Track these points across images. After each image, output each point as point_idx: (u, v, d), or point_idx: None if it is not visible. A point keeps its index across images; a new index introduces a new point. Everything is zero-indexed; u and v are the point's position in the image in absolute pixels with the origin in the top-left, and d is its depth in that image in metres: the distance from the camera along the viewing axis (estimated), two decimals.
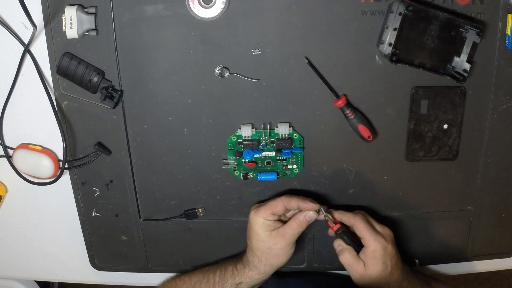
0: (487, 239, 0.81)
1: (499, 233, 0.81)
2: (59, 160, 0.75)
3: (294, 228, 0.69)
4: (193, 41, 0.68)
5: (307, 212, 0.69)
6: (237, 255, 0.77)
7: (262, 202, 0.73)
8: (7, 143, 0.75)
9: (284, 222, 0.71)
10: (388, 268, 0.68)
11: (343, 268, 0.84)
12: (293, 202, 0.69)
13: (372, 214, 0.77)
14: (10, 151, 0.75)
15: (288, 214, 0.73)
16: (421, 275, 0.76)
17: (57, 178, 0.73)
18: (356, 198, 0.77)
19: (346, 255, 0.70)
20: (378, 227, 0.71)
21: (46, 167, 0.74)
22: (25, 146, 0.75)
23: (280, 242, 0.69)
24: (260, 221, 0.69)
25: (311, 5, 0.67)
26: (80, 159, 0.74)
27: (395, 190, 0.77)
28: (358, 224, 0.69)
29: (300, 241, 0.79)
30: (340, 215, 0.71)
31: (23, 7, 0.62)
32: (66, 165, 0.74)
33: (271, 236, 0.69)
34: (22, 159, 0.74)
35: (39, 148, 0.75)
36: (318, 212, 0.69)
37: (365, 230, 0.69)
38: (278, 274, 0.79)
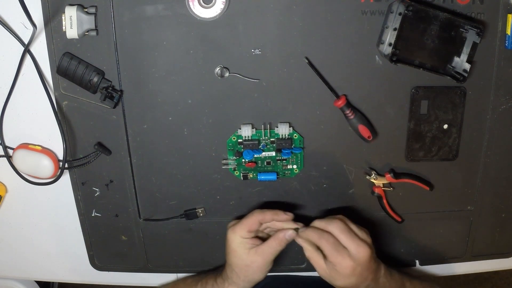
0: (487, 239, 0.81)
1: (499, 233, 0.81)
2: (59, 160, 0.75)
3: (273, 247, 0.69)
4: (193, 41, 0.68)
5: (287, 231, 0.68)
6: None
7: (258, 206, 0.73)
8: (7, 143, 0.75)
9: (262, 238, 0.71)
10: (352, 281, 0.66)
11: None
12: (267, 216, 0.69)
13: (372, 213, 0.78)
14: (10, 151, 0.75)
15: (267, 230, 0.72)
16: (398, 276, 0.73)
17: (57, 178, 0.73)
18: (356, 198, 0.77)
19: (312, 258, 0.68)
20: (353, 244, 0.66)
21: (46, 167, 0.74)
22: (25, 146, 0.75)
23: (258, 260, 0.69)
24: (238, 239, 0.69)
25: (311, 5, 0.67)
26: (80, 159, 0.74)
27: (395, 190, 0.77)
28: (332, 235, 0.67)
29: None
30: (317, 224, 0.69)
31: (23, 7, 0.62)
32: (66, 165, 0.74)
33: (249, 254, 0.69)
34: (22, 159, 0.74)
35: (39, 148, 0.75)
36: (296, 230, 0.68)
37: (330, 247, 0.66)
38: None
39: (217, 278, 0.74)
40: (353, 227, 0.68)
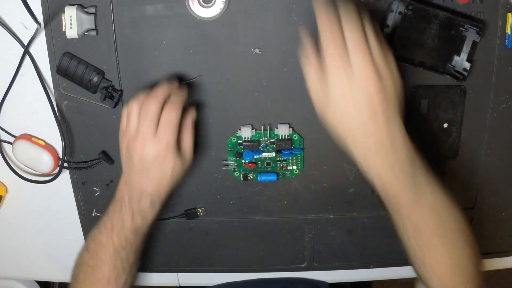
0: (487, 238, 0.81)
1: (499, 233, 0.81)
2: (60, 158, 0.75)
3: (192, 138, 0.64)
4: (193, 41, 0.68)
5: (192, 113, 0.64)
6: None
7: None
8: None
9: None
10: (344, 111, 0.51)
11: (343, 268, 0.84)
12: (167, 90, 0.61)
13: (372, 213, 0.77)
14: (9, 146, 0.75)
15: None
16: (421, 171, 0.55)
17: (55, 176, 0.73)
18: (356, 198, 0.77)
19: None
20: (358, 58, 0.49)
21: (45, 161, 0.73)
22: (27, 137, 0.74)
23: (187, 163, 0.64)
24: (177, 162, 0.60)
25: (311, 5, 0.67)
26: (81, 163, 0.74)
27: None
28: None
29: (300, 241, 0.79)
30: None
31: (25, 6, 0.62)
32: (66, 165, 0.73)
33: (182, 163, 0.62)
34: (23, 150, 0.73)
35: (42, 143, 0.74)
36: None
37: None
38: None
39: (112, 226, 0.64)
40: (373, 41, 0.51)
